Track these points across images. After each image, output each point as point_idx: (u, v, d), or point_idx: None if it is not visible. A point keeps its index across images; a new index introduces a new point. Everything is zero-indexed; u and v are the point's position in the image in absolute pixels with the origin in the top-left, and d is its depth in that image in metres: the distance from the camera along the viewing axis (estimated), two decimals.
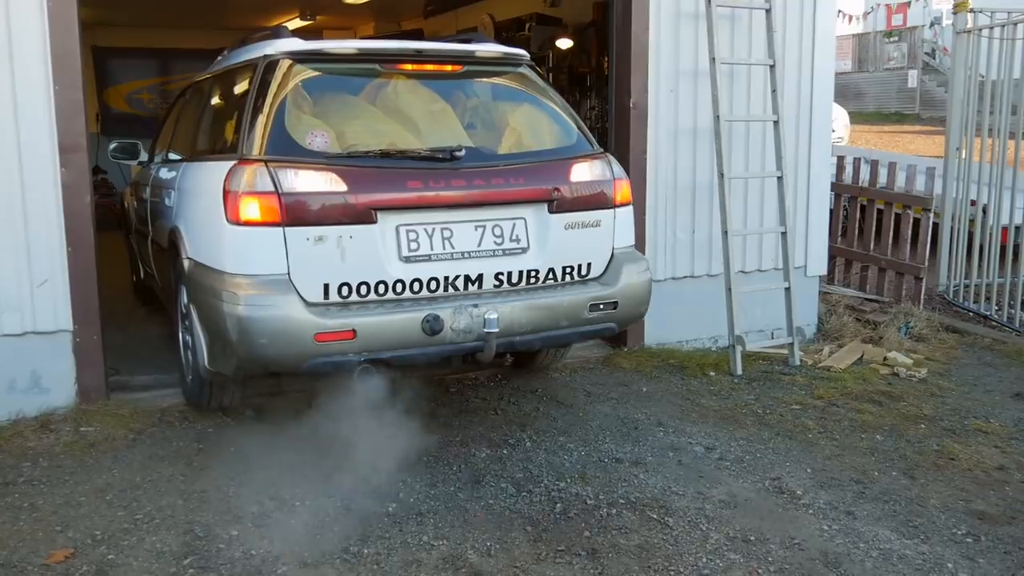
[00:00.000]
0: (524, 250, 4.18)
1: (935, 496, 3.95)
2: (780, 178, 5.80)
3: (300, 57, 4.13)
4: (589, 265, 4.38)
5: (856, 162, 7.95)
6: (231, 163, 3.95)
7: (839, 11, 12.51)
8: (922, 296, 7.16)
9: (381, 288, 3.91)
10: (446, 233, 4.03)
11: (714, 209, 5.82)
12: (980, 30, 7.57)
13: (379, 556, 3.34)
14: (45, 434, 4.41)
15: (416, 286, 3.97)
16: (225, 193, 3.86)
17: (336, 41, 4.47)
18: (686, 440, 4.46)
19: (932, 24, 27.86)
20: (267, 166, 3.81)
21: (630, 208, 4.56)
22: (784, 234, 5.82)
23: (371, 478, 3.84)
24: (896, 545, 3.52)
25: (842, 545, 3.51)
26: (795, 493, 3.93)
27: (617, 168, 4.54)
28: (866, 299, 7.34)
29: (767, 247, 6.11)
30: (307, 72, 4.15)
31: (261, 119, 3.95)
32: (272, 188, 3.77)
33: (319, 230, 3.79)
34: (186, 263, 4.33)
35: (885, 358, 5.85)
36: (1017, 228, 7.51)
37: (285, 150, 3.89)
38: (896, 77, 28.33)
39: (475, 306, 3.96)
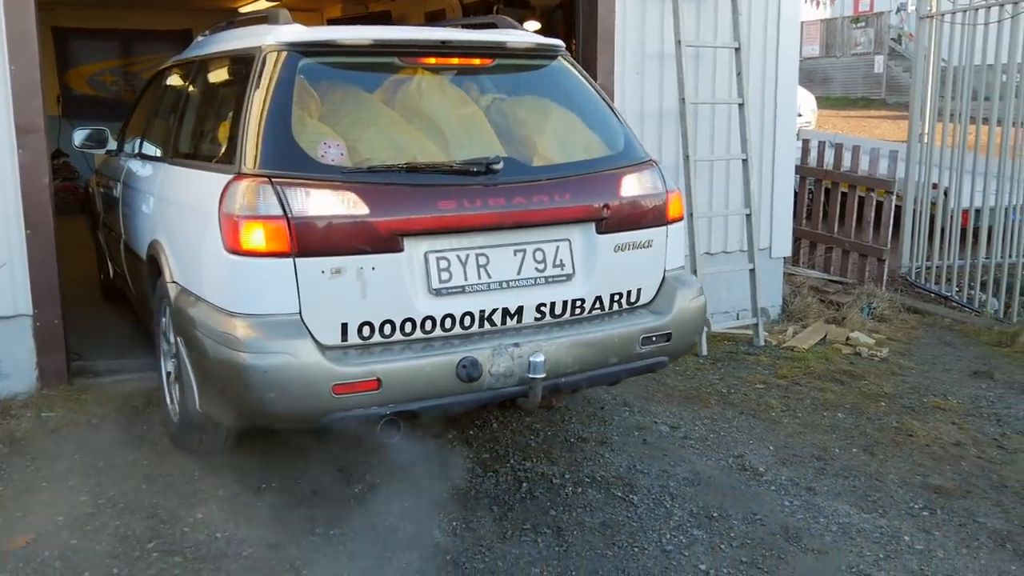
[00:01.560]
0: (569, 277, 3.59)
1: (893, 471, 4.02)
2: (745, 161, 5.85)
3: (306, 49, 3.50)
4: (639, 291, 3.80)
5: (821, 146, 8.02)
6: (226, 177, 3.31)
7: None
8: (884, 278, 7.26)
9: (408, 327, 3.32)
10: (481, 260, 3.43)
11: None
12: (943, 15, 7.66)
13: (345, 537, 3.36)
14: (5, 420, 4.36)
15: (448, 323, 3.38)
16: (222, 215, 3.23)
17: (346, 29, 3.81)
18: (651, 420, 4.51)
19: (898, 10, 28.08)
20: (272, 184, 3.18)
21: (682, 225, 4.00)
22: (749, 216, 5.87)
23: (338, 460, 3.84)
24: (855, 519, 3.58)
25: (802, 520, 3.57)
26: (758, 470, 3.98)
27: (668, 179, 3.96)
28: (830, 280, 7.43)
29: (732, 229, 6.16)
30: (315, 67, 3.54)
31: (262, 124, 3.32)
32: (280, 211, 3.14)
33: (336, 261, 3.18)
34: (171, 288, 3.73)
35: (848, 338, 5.93)
36: (977, 211, 7.62)
37: (293, 164, 3.27)
38: (863, 62, 28.56)
39: (516, 345, 3.38)
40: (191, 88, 4.55)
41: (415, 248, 3.32)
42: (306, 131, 3.40)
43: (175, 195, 4.00)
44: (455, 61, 3.84)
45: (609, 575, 3.18)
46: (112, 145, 5.61)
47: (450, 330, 3.39)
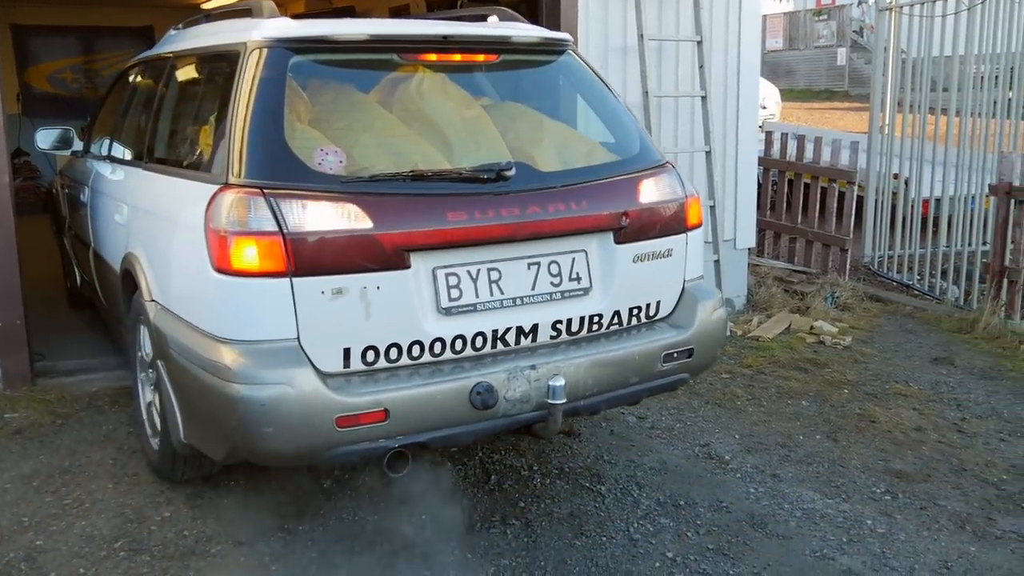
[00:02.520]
0: (586, 291, 3.34)
1: (856, 457, 4.09)
2: (708, 153, 5.90)
3: (296, 45, 3.19)
4: (658, 304, 3.54)
5: (783, 137, 8.10)
6: (212, 188, 3.01)
7: None
8: (847, 267, 7.36)
9: (415, 350, 3.05)
10: (493, 275, 3.17)
11: None
12: (901, 7, 7.77)
13: (313, 532, 3.36)
14: None
15: (458, 345, 3.11)
16: (209, 230, 2.93)
17: (339, 23, 3.53)
18: (618, 411, 4.54)
19: (859, 3, 28.36)
20: (265, 195, 2.88)
21: (701, 231, 3.74)
22: (713, 208, 5.92)
23: None
24: (819, 505, 3.64)
25: (768, 507, 3.62)
26: (723, 458, 4.03)
27: (687, 183, 3.73)
28: (794, 271, 7.52)
29: None
30: (306, 65, 3.26)
31: (250, 129, 3.01)
32: (274, 226, 2.85)
33: (337, 280, 2.89)
34: (150, 307, 3.43)
35: (812, 327, 6.01)
36: (937, 200, 7.74)
37: (287, 173, 2.97)
38: (826, 55, 28.82)
39: (532, 368, 3.12)
40: (166, 87, 4.17)
41: (422, 264, 3.03)
42: (300, 136, 3.11)
43: (152, 205, 3.69)
44: (457, 58, 3.56)
45: (577, 565, 3.21)
46: (78, 146, 5.30)
47: (461, 352, 3.12)
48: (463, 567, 3.18)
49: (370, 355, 2.99)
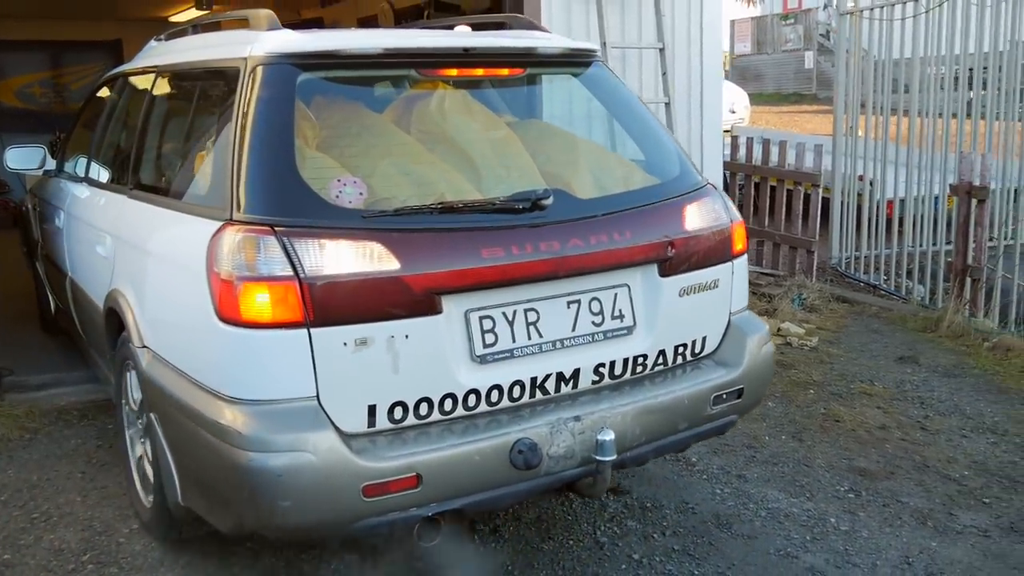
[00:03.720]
0: (629, 329, 3.02)
1: (821, 456, 4.16)
2: None
3: (304, 61, 2.85)
4: (704, 340, 3.23)
5: (749, 141, 8.20)
6: (214, 224, 2.65)
7: None
8: (814, 269, 7.45)
9: (448, 404, 2.72)
10: (531, 316, 2.84)
11: None
12: (861, 12, 7.89)
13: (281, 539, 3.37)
14: None
15: (494, 396, 2.78)
16: (211, 274, 2.58)
17: (349, 35, 3.22)
18: None
19: (825, 6, 28.69)
20: (277, 234, 2.54)
21: (746, 258, 3.44)
22: None
23: None
24: (783, 504, 3.70)
25: (733, 507, 3.67)
26: (690, 460, 4.08)
27: (732, 205, 3.43)
28: (761, 273, 7.60)
29: None
30: (315, 83, 2.95)
31: (256, 156, 2.66)
32: (289, 270, 2.50)
33: (361, 330, 2.56)
34: (141, 354, 3.08)
35: (779, 329, 6.08)
36: (902, 201, 7.85)
37: (300, 207, 2.62)
38: (793, 58, 29.13)
39: (576, 419, 2.80)
40: (151, 105, 3.80)
41: (454, 307, 2.70)
42: (313, 165, 2.78)
43: (141, 239, 3.33)
44: (480, 72, 3.28)
45: (544, 568, 3.24)
46: (51, 165, 4.97)
47: (497, 404, 2.80)
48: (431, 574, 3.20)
49: (398, 412, 2.65)
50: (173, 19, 11.93)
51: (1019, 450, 4.24)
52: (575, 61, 3.45)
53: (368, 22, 10.06)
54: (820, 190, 7.49)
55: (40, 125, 11.31)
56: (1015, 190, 6.99)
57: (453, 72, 3.19)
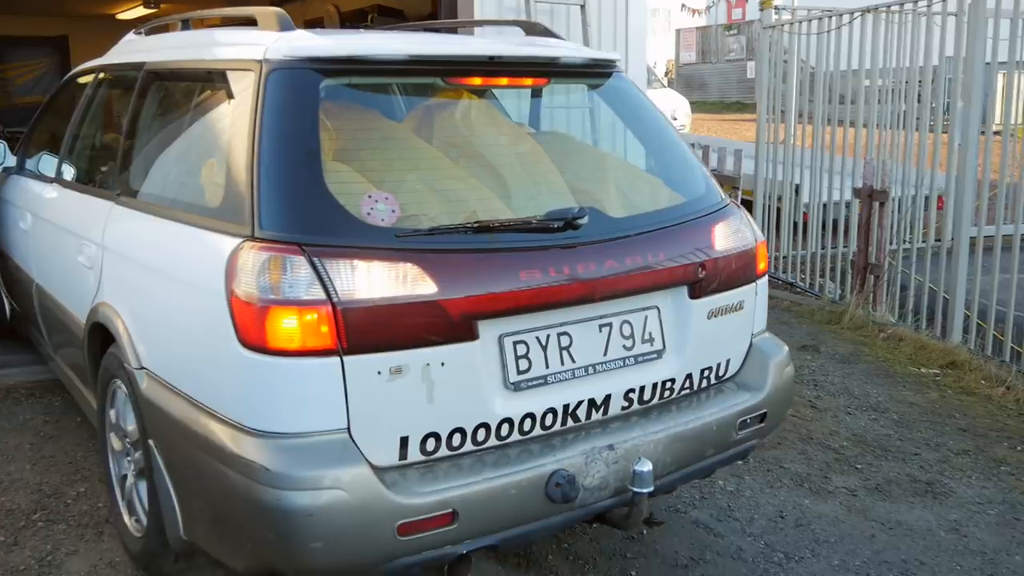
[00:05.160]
0: (659, 353, 2.91)
1: None
2: None
3: (328, 66, 2.67)
4: (727, 362, 3.15)
5: None
6: (232, 241, 2.45)
7: (683, 5, 13.48)
8: None
9: (481, 434, 2.57)
10: (564, 340, 2.71)
11: None
12: (782, 26, 8.39)
13: None
14: None
15: (527, 424, 2.64)
16: (232, 296, 2.38)
17: (373, 39, 3.03)
18: None
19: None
20: (307, 254, 2.35)
21: (767, 278, 3.34)
22: None
23: None
24: None
25: None
26: None
27: (755, 224, 3.32)
28: None
29: None
30: (339, 90, 2.79)
31: (279, 168, 2.47)
32: (322, 294, 2.32)
33: (396, 357, 2.40)
34: (138, 376, 2.88)
35: None
36: (825, 205, 8.30)
37: (329, 225, 2.44)
38: (736, 68, 29.91)
39: (610, 448, 2.68)
40: (140, 105, 3.49)
41: (489, 332, 2.56)
42: (342, 179, 2.58)
43: (140, 253, 3.08)
44: (504, 82, 3.13)
45: None
46: (10, 161, 4.77)
47: (528, 433, 2.66)
48: None
49: (430, 443, 2.50)
50: (120, 16, 12.11)
51: (895, 425, 4.70)
52: (595, 71, 3.31)
53: (314, 24, 10.36)
54: (740, 192, 7.95)
55: None
56: (926, 197, 7.49)
57: (478, 81, 3.03)
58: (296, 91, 2.59)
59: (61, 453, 4.09)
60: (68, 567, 3.21)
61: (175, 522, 2.73)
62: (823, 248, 7.95)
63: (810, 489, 3.97)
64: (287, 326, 2.32)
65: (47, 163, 4.33)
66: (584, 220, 2.71)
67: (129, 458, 3.13)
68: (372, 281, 2.38)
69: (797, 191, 8.28)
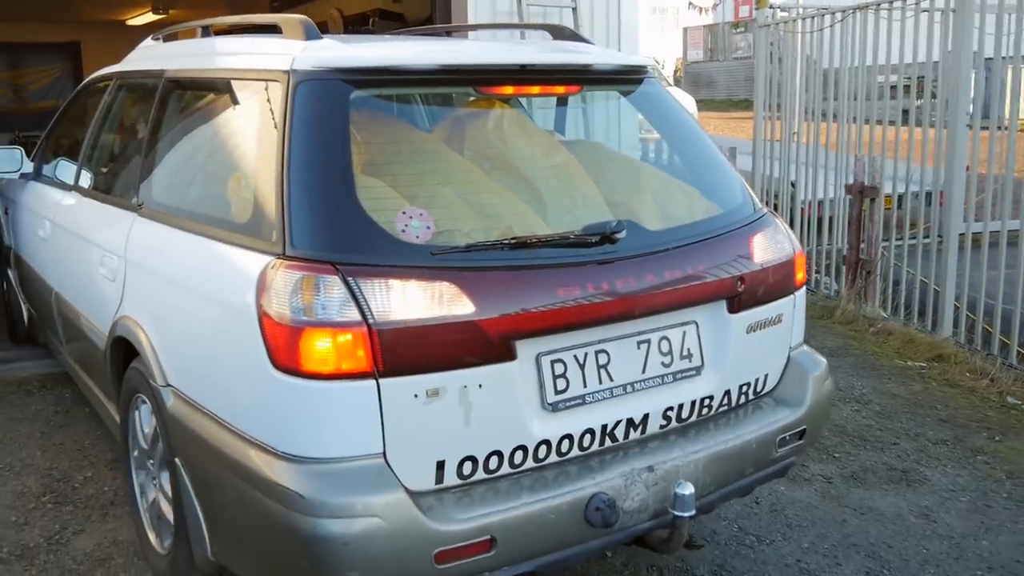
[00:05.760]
0: (697, 370, 2.82)
1: None
2: None
3: (357, 77, 2.58)
4: (765, 377, 3.04)
5: None
6: (263, 259, 2.38)
7: (690, 3, 13.59)
8: None
9: (518, 457, 2.49)
10: (602, 358, 2.63)
11: None
12: (777, 24, 8.53)
13: None
14: None
15: (564, 446, 2.55)
16: (264, 316, 2.30)
17: (402, 48, 2.99)
18: None
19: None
20: (341, 273, 2.28)
21: (805, 289, 3.24)
22: None
23: None
24: None
25: None
26: None
27: (792, 234, 3.20)
28: None
29: None
30: (368, 102, 2.72)
31: (309, 183, 2.39)
32: (357, 315, 2.25)
33: (433, 380, 2.32)
34: (165, 394, 2.81)
35: None
36: (820, 202, 8.40)
37: (363, 243, 2.36)
38: (744, 66, 29.93)
39: (649, 469, 2.59)
40: (161, 114, 3.41)
41: (526, 352, 2.48)
42: (374, 195, 2.49)
43: (165, 267, 2.99)
44: (536, 90, 3.05)
45: None
46: (28, 167, 4.76)
47: (566, 454, 2.57)
48: None
49: (467, 467, 2.42)
50: (130, 22, 12.33)
51: (876, 416, 4.84)
52: (627, 78, 3.21)
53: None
54: None
55: (0, 125, 11.72)
56: (927, 193, 7.59)
57: (509, 90, 2.96)
58: (325, 103, 2.50)
59: (70, 441, 4.28)
60: (75, 545, 3.39)
61: (203, 542, 2.67)
62: (820, 244, 8.07)
63: (787, 476, 4.10)
64: (321, 348, 2.24)
65: (65, 169, 4.34)
66: (622, 234, 2.62)
67: (153, 474, 3.08)
68: (408, 301, 2.30)
69: (793, 186, 8.39)
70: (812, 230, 8.05)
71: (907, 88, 7.02)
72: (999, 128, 6.58)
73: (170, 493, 2.89)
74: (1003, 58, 6.38)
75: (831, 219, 8.13)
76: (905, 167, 7.42)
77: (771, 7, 8.77)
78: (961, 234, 6.35)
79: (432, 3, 6.81)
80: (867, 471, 4.15)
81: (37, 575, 3.21)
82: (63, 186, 4.28)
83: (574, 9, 6.46)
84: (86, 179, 4.06)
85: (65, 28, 12.47)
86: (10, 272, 5.32)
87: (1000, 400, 5.08)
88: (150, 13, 11.51)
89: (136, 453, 3.23)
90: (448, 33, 4.00)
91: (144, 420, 3.10)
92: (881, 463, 4.24)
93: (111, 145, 4.07)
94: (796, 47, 8.26)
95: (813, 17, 7.97)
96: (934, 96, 6.70)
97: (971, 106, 6.32)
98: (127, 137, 3.88)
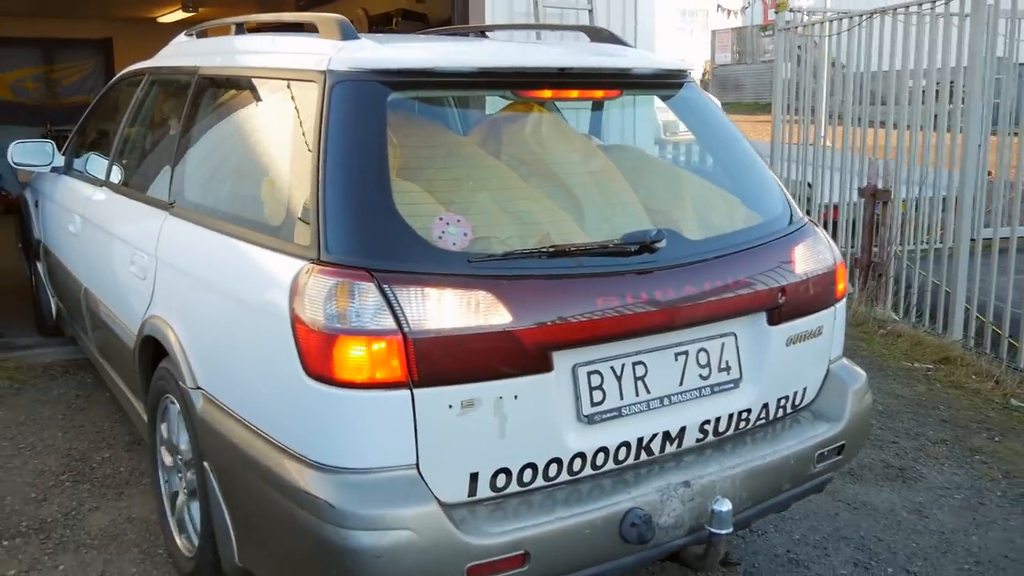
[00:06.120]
0: (735, 383, 2.76)
1: None
2: None
3: (395, 79, 2.54)
4: (804, 391, 2.97)
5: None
6: (296, 264, 2.34)
7: (718, 6, 13.56)
8: None
9: (552, 469, 2.44)
10: (639, 370, 2.57)
11: None
12: (795, 28, 8.58)
13: None
14: None
15: (599, 459, 2.51)
16: (297, 322, 2.26)
17: (437, 49, 2.99)
18: None
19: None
20: (376, 280, 2.24)
21: (845, 300, 3.17)
22: None
23: None
24: None
25: None
26: None
27: (833, 243, 3.14)
28: None
29: None
30: (405, 104, 2.70)
31: (347, 188, 2.35)
32: (393, 323, 2.21)
33: (468, 390, 2.28)
34: (194, 396, 2.78)
35: None
36: (835, 205, 8.42)
37: (400, 250, 2.32)
38: (772, 69, 29.83)
39: (686, 484, 2.53)
40: (194, 112, 3.38)
41: (563, 363, 2.43)
42: (411, 200, 2.44)
43: (196, 267, 2.96)
44: (574, 94, 2.97)
45: None
46: (58, 161, 4.75)
47: (601, 468, 2.52)
48: None
49: (501, 479, 2.37)
50: (161, 20, 12.56)
51: (878, 415, 4.88)
52: (666, 82, 3.14)
53: None
54: None
55: (32, 118, 12.02)
56: (943, 199, 7.61)
57: (548, 94, 2.89)
58: (362, 105, 2.45)
59: (90, 423, 4.44)
60: (90, 521, 3.54)
61: (230, 547, 2.64)
62: (842, 248, 8.08)
63: None
64: (355, 357, 2.20)
65: (95, 164, 4.33)
66: (662, 243, 2.56)
67: (181, 475, 3.05)
68: (444, 310, 2.25)
69: (810, 187, 8.42)
70: (828, 232, 8.07)
71: (936, 93, 7.02)
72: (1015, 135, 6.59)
73: (197, 495, 2.87)
74: (1020, 64, 6.40)
75: (849, 222, 8.17)
76: (919, 171, 7.45)
77: (791, 11, 8.83)
78: (973, 239, 6.38)
79: (451, 4, 6.92)
80: (864, 468, 4.22)
81: (54, 548, 3.35)
82: (94, 181, 4.26)
83: (590, 11, 6.55)
84: (117, 175, 4.04)
85: (98, 24, 12.72)
86: (39, 265, 5.36)
87: (1003, 402, 5.12)
88: (180, 11, 11.72)
89: (163, 452, 3.22)
90: (483, 33, 4.04)
91: (172, 421, 3.09)
92: (879, 460, 4.31)
93: (143, 141, 4.05)
94: (813, 50, 8.31)
95: (832, 21, 8.02)
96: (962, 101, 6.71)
97: (988, 111, 6.36)
98: (159, 134, 3.86)
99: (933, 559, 3.45)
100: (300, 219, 2.41)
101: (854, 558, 3.45)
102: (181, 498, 3.08)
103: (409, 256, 2.30)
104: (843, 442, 2.95)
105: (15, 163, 4.67)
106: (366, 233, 2.31)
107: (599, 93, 3.05)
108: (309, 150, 2.44)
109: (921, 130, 7.29)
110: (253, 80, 3.07)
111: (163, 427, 3.19)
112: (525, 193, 2.70)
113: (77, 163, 4.67)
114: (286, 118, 2.70)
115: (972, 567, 3.40)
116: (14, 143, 4.66)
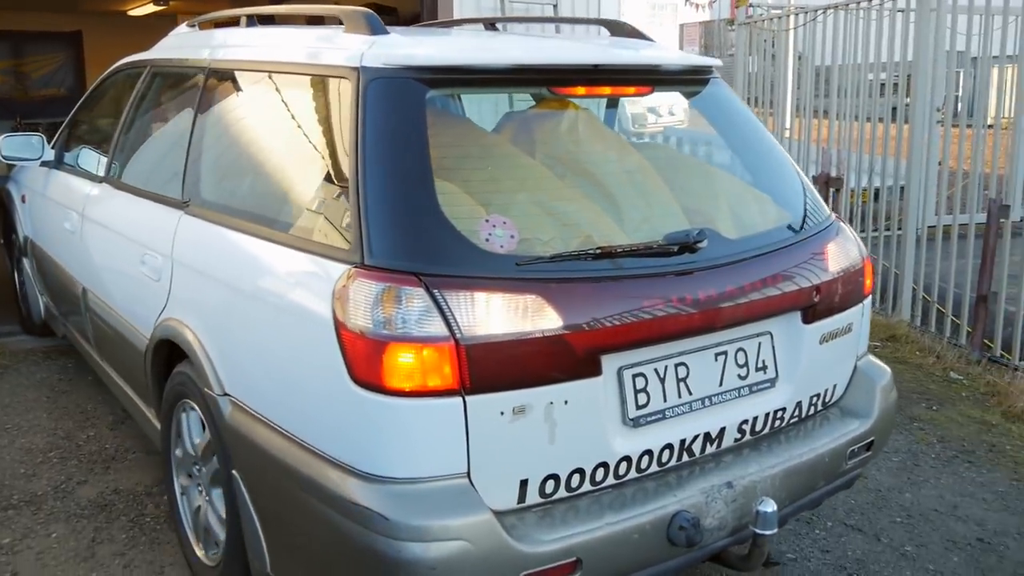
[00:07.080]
0: (772, 382, 2.74)
1: None
2: None
3: (432, 76, 2.45)
4: (834, 387, 2.98)
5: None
6: (338, 268, 2.26)
7: (686, 0, 13.79)
8: None
9: (599, 474, 2.41)
10: (681, 371, 2.55)
11: None
12: (755, 22, 8.87)
13: None
14: None
15: (644, 462, 2.48)
16: (343, 330, 2.19)
17: (473, 45, 2.96)
18: None
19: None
20: (425, 285, 2.17)
21: (871, 298, 3.14)
22: None
23: None
24: None
25: None
26: None
27: (859, 239, 3.13)
28: None
29: None
30: (443, 102, 2.68)
31: (391, 190, 2.27)
32: (444, 329, 2.14)
33: (520, 396, 2.22)
34: (222, 403, 2.69)
35: None
36: None
37: (447, 253, 2.26)
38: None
39: (728, 486, 2.51)
40: (207, 108, 3.26)
41: (610, 366, 2.39)
42: (456, 201, 2.36)
43: (221, 270, 2.82)
44: (607, 91, 2.95)
45: None
46: (48, 155, 4.58)
47: (645, 471, 2.49)
48: None
49: (549, 485, 2.33)
50: (132, 13, 12.64)
51: None
52: (694, 79, 3.09)
53: (314, 21, 10.81)
54: None
55: (2, 111, 12.05)
56: (902, 187, 7.90)
57: (582, 91, 2.84)
58: (401, 103, 2.37)
59: (73, 405, 4.62)
60: (79, 493, 3.73)
61: (261, 556, 2.58)
62: None
63: None
64: (406, 364, 2.13)
65: (92, 159, 4.18)
66: (704, 243, 2.52)
67: (198, 481, 2.99)
68: (494, 315, 2.19)
69: None
70: None
71: (895, 87, 7.31)
72: (968, 127, 6.88)
73: (222, 503, 2.80)
74: (972, 59, 6.70)
75: None
76: (879, 161, 7.73)
77: (751, 5, 9.12)
78: (931, 226, 6.66)
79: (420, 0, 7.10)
80: None
81: (46, 518, 3.54)
82: (92, 177, 4.10)
83: (555, 6, 6.76)
84: (118, 171, 3.87)
85: (68, 17, 12.77)
86: (26, 262, 5.23)
87: (944, 375, 5.42)
88: (151, 4, 11.80)
89: (179, 459, 3.13)
90: (493, 25, 4.02)
91: (192, 427, 3.01)
92: None
93: (147, 136, 3.89)
94: (769, 45, 8.60)
95: (790, 16, 8.32)
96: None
97: (942, 103, 6.65)
98: (167, 129, 3.70)
99: (869, 513, 3.72)
100: (341, 222, 2.33)
101: (798, 514, 3.70)
102: (199, 504, 3.02)
103: (457, 259, 2.23)
104: (873, 438, 2.97)
105: (4, 157, 4.52)
106: (412, 236, 2.24)
107: (631, 90, 3.01)
108: (345, 149, 2.37)
109: (880, 121, 7.60)
110: (273, 75, 2.96)
111: (179, 433, 3.10)
112: (563, 193, 2.65)
113: (68, 157, 4.56)
114: (314, 116, 2.65)
115: (904, 519, 3.69)
116: (2, 137, 4.54)
